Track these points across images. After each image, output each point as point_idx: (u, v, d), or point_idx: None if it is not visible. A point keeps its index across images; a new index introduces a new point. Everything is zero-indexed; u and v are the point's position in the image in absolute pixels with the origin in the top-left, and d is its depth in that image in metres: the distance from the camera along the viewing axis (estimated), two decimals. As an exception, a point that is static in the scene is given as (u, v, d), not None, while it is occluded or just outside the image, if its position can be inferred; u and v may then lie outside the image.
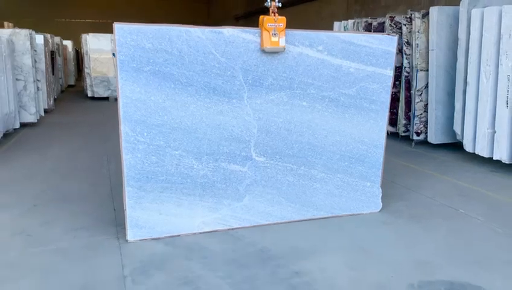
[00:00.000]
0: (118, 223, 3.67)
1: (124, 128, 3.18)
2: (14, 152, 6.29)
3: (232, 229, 3.56)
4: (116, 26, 3.05)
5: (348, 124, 3.72)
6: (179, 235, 3.44)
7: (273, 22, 3.26)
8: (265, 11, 3.37)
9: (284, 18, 3.28)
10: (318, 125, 3.66)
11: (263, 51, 3.36)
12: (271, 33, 3.27)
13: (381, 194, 3.99)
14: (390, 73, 3.71)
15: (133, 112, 3.18)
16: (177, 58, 3.22)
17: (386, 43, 3.64)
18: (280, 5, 3.30)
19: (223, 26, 3.30)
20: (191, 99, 3.30)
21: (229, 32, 3.29)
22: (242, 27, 3.35)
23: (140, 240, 3.37)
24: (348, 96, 3.66)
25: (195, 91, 3.30)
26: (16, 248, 3.28)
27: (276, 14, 3.27)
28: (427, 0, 11.11)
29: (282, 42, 3.32)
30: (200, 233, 3.49)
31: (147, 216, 3.37)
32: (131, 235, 3.35)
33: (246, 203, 3.60)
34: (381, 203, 4.01)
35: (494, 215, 3.99)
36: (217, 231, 3.53)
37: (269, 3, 3.29)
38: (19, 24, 12.51)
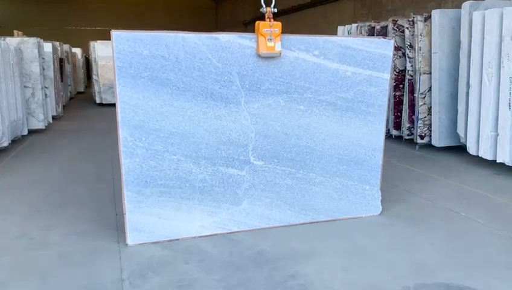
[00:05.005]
0: (118, 228, 3.71)
1: (122, 133, 3.23)
2: (21, 158, 6.40)
3: (231, 232, 3.59)
4: (114, 33, 3.11)
5: (345, 128, 3.74)
6: (177, 239, 3.47)
7: (269, 28, 3.29)
8: (275, 16, 3.40)
9: (279, 23, 3.32)
10: (316, 129, 3.68)
11: (259, 56, 3.39)
12: (267, 38, 3.30)
13: (380, 197, 4.00)
14: (387, 76, 3.72)
15: (131, 118, 3.23)
16: (174, 64, 3.27)
17: (382, 47, 3.66)
18: (275, 10, 3.33)
19: (219, 32, 3.35)
20: (188, 105, 3.34)
21: (225, 38, 3.33)
22: (238, 32, 3.40)
23: (140, 244, 3.40)
24: (345, 100, 3.68)
25: (193, 96, 3.35)
26: (17, 251, 3.34)
27: (272, 20, 3.30)
28: (434, 3, 11.04)
29: (278, 47, 3.36)
30: (199, 237, 3.51)
31: (146, 220, 3.41)
32: (130, 239, 3.39)
33: (244, 207, 3.62)
34: (381, 207, 4.01)
35: (495, 218, 3.97)
36: (215, 234, 3.55)
37: (264, 9, 3.32)
38: (31, 32, 12.67)
